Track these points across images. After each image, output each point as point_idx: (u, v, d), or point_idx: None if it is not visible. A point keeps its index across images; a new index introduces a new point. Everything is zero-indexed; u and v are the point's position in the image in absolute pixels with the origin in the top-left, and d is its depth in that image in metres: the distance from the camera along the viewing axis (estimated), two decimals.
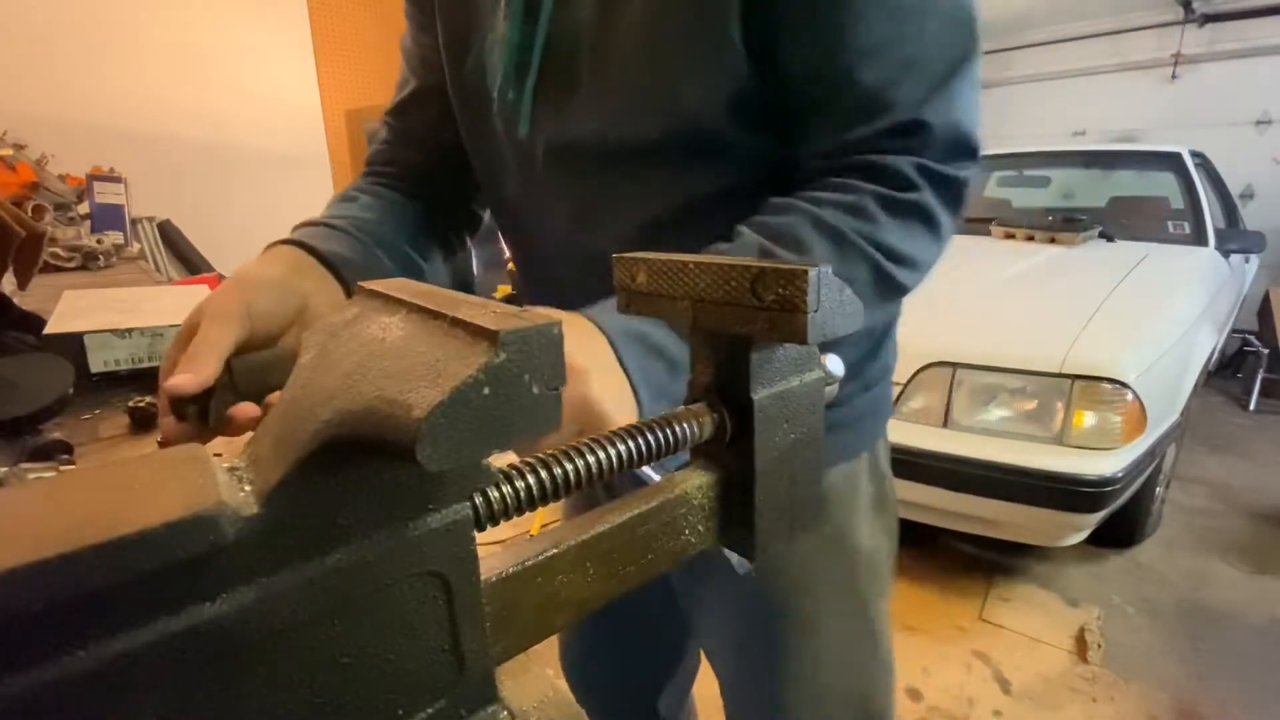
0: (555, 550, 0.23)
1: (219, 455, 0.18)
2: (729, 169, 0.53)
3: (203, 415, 0.45)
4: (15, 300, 1.03)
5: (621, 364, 0.40)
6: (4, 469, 0.59)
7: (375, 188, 0.71)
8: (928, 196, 0.48)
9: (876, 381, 0.64)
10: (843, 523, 0.63)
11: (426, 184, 0.72)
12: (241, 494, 0.17)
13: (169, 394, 0.44)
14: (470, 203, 0.77)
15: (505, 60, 0.55)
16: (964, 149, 0.50)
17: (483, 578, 0.21)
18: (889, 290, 0.49)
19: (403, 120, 0.73)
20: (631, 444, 0.25)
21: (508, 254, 0.79)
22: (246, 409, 0.46)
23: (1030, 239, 2.90)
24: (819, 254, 0.45)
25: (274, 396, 0.48)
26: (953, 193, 0.50)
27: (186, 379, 0.43)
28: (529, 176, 0.60)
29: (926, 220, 0.49)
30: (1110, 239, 2.92)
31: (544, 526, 2.17)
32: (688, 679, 0.96)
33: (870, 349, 0.63)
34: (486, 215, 0.78)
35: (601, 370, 0.38)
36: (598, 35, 0.51)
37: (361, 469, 0.18)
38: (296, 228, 0.62)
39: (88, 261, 2.04)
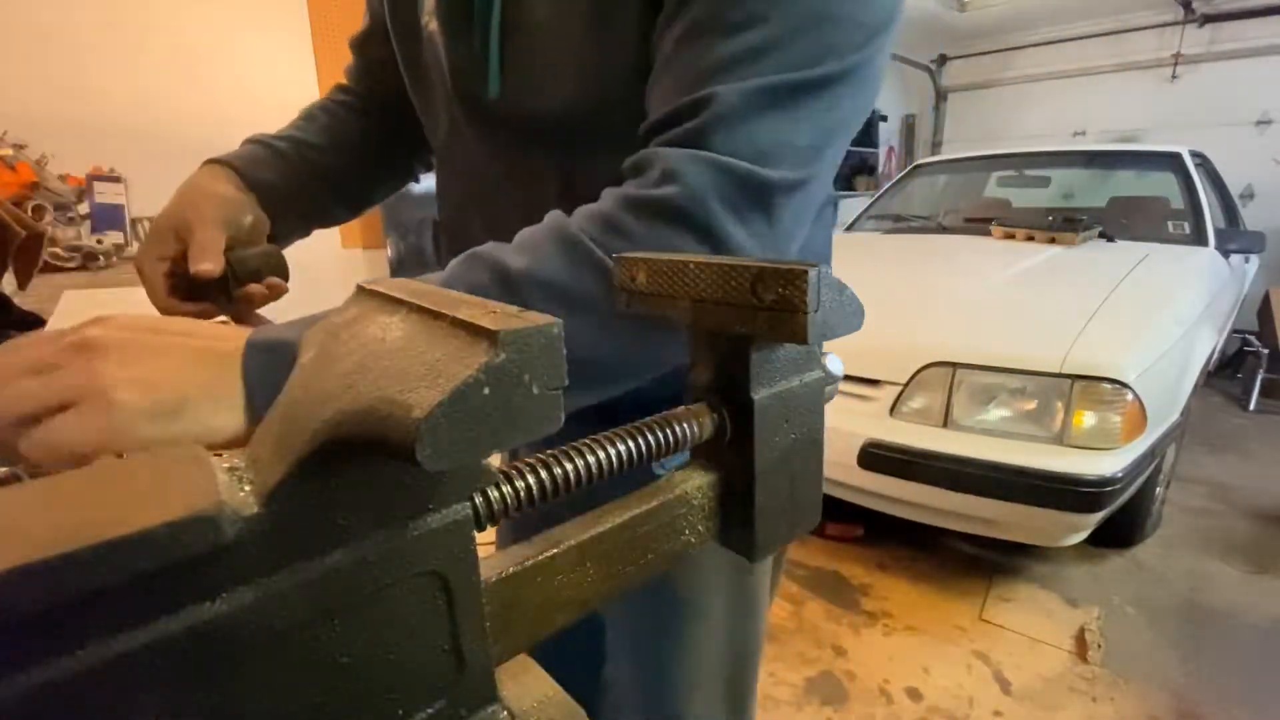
0: (555, 550, 0.23)
1: (219, 455, 0.18)
2: (615, 155, 0.46)
3: (226, 296, 0.59)
4: (15, 300, 1.03)
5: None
6: (4, 469, 0.59)
7: (339, 109, 0.74)
8: (678, 191, 0.39)
9: None
10: None
11: (390, 112, 0.72)
12: (241, 494, 0.17)
13: (202, 278, 0.55)
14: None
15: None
16: (792, 157, 0.40)
17: (483, 578, 0.21)
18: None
19: (363, 51, 0.75)
20: (631, 443, 0.25)
21: None
22: (257, 288, 0.60)
23: (1030, 239, 2.90)
24: (549, 263, 0.39)
25: (270, 282, 0.62)
26: (747, 189, 0.39)
27: (211, 266, 0.56)
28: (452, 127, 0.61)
29: (686, 220, 0.39)
30: (1110, 239, 2.92)
31: None
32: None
33: None
34: None
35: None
36: None
37: (361, 469, 0.18)
38: (246, 142, 0.68)
39: (88, 261, 2.04)
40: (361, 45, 0.75)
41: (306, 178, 0.68)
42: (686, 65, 0.41)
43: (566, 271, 0.39)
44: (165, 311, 0.57)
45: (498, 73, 0.54)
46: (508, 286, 0.39)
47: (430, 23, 0.58)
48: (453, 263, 0.42)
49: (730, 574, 0.65)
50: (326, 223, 0.75)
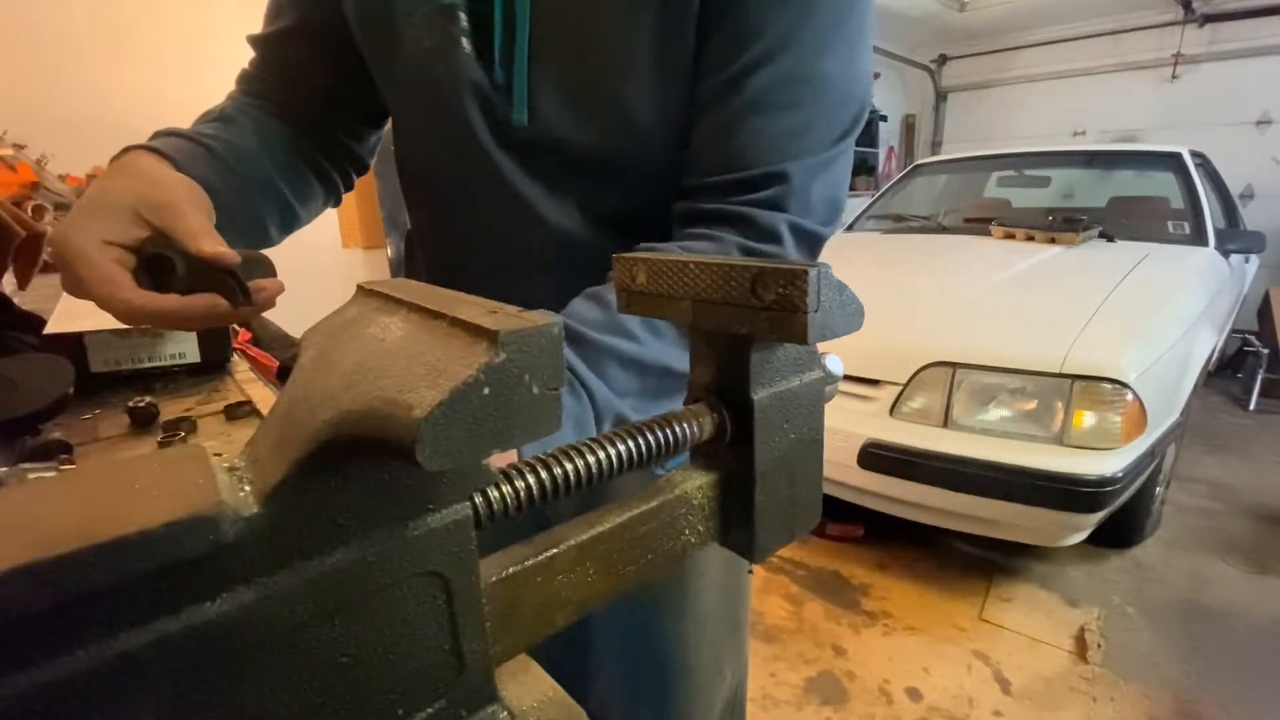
0: (555, 550, 0.23)
1: (219, 455, 0.18)
2: (638, 190, 0.54)
3: (242, 292, 0.48)
4: (15, 300, 1.03)
5: None
6: (4, 469, 0.59)
7: (253, 111, 0.64)
8: (789, 250, 0.51)
9: None
10: None
11: (310, 119, 0.67)
12: (241, 494, 0.17)
13: (227, 266, 0.47)
14: (358, 142, 0.72)
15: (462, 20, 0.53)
16: (829, 211, 0.53)
17: (483, 578, 0.21)
18: None
19: (275, 53, 0.66)
20: (631, 444, 0.25)
21: None
22: (275, 283, 0.51)
23: (1030, 239, 2.90)
24: (651, 343, 0.47)
25: (271, 281, 0.52)
26: (815, 247, 0.53)
27: (229, 251, 0.47)
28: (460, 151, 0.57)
29: None
30: (1110, 239, 2.91)
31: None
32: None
33: None
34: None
35: None
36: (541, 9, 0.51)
37: (361, 469, 0.18)
38: (158, 134, 0.57)
39: None
40: (278, 43, 0.65)
41: (244, 184, 0.59)
42: (754, 136, 0.50)
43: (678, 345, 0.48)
44: (139, 308, 0.46)
45: (524, 100, 0.53)
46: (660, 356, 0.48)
47: (426, 39, 0.55)
48: (575, 303, 0.48)
49: None
50: (256, 242, 0.66)
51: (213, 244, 0.46)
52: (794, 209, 0.51)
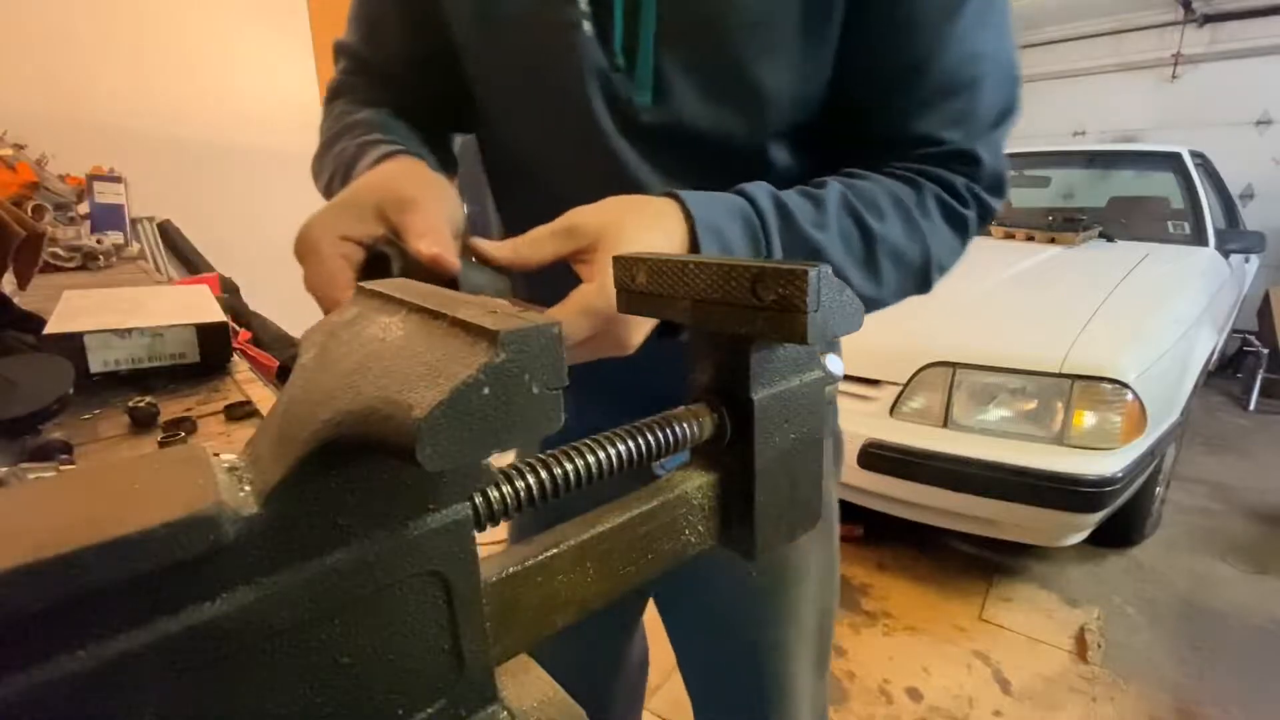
0: (555, 550, 0.23)
1: (218, 455, 0.18)
2: (760, 177, 0.51)
3: None
4: (15, 300, 1.03)
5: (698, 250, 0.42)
6: (4, 469, 0.59)
7: (397, 123, 0.60)
8: (973, 215, 0.54)
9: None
10: (829, 482, 0.68)
11: (433, 114, 0.63)
12: (241, 494, 0.17)
13: (445, 271, 0.39)
14: (450, 147, 0.69)
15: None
16: (1003, 188, 0.56)
17: (483, 578, 0.21)
18: (918, 286, 0.54)
19: (368, 51, 0.64)
20: (631, 443, 0.25)
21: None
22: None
23: (1030, 239, 2.90)
24: (890, 226, 0.50)
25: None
26: (987, 218, 0.56)
27: (452, 259, 0.39)
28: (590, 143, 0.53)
29: (963, 238, 0.55)
30: (1110, 239, 2.92)
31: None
32: (641, 680, 0.95)
33: None
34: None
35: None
36: None
37: (361, 469, 0.18)
38: (375, 143, 0.53)
39: (88, 261, 2.04)
40: (371, 39, 0.63)
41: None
42: (952, 111, 0.52)
43: (907, 243, 0.51)
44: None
45: (649, 81, 0.50)
46: (871, 244, 0.50)
47: (540, 24, 0.51)
48: (834, 209, 0.49)
49: (821, 538, 0.69)
50: None
51: (431, 245, 0.40)
52: (984, 183, 0.54)
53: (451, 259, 0.40)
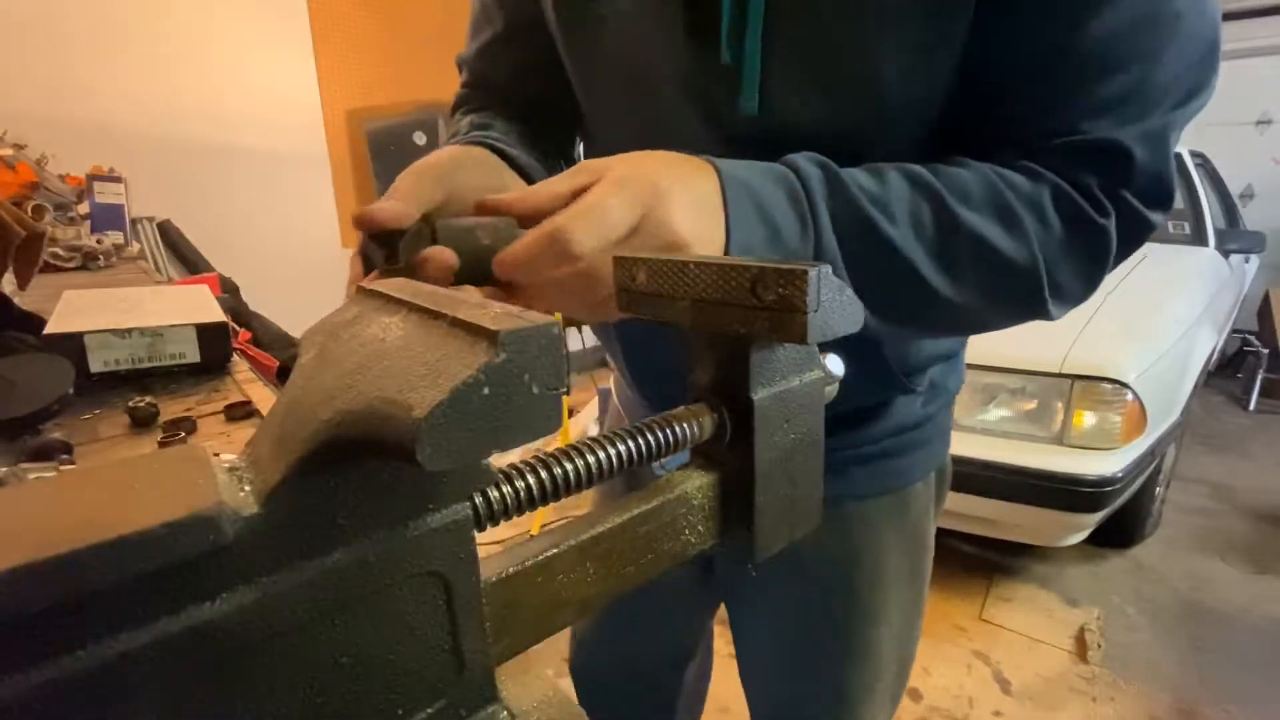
0: (555, 550, 0.23)
1: (219, 455, 0.18)
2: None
3: (390, 258, 0.40)
4: (15, 300, 1.03)
5: (725, 208, 0.37)
6: (4, 469, 0.59)
7: (509, 125, 0.59)
8: (1113, 227, 0.42)
9: (955, 391, 0.66)
10: (921, 522, 0.66)
11: (529, 125, 0.62)
12: (241, 494, 0.17)
13: (360, 224, 0.38)
14: (569, 152, 0.67)
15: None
16: (1164, 195, 0.43)
17: (483, 578, 0.21)
18: (1023, 302, 0.44)
19: (490, 65, 0.63)
20: (632, 444, 0.25)
21: None
22: (443, 253, 0.38)
23: None
24: (980, 215, 0.41)
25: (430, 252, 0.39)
26: (1139, 234, 0.44)
27: (383, 208, 0.38)
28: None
29: (1097, 255, 0.43)
30: None
31: (544, 526, 2.17)
32: (704, 681, 0.94)
33: (954, 364, 0.64)
34: None
35: (699, 207, 0.36)
36: None
37: (361, 469, 0.18)
38: (457, 137, 0.54)
39: (88, 261, 2.04)
40: (490, 54, 0.62)
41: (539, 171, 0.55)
42: (1081, 100, 0.42)
43: (1003, 239, 0.42)
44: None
45: (755, 86, 0.46)
46: (950, 231, 0.41)
47: (636, 24, 0.49)
48: (900, 185, 0.41)
49: (909, 576, 0.66)
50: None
51: (370, 206, 0.39)
52: (1137, 188, 0.42)
53: (379, 217, 0.38)
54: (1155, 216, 0.44)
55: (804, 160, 0.41)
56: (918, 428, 0.62)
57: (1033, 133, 0.43)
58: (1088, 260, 0.44)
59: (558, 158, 0.63)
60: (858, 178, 0.41)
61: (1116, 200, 0.42)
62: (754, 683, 0.75)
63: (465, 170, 0.45)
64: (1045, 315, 0.45)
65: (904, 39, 0.43)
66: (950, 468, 0.70)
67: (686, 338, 0.30)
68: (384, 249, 0.40)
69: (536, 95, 0.61)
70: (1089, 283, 0.45)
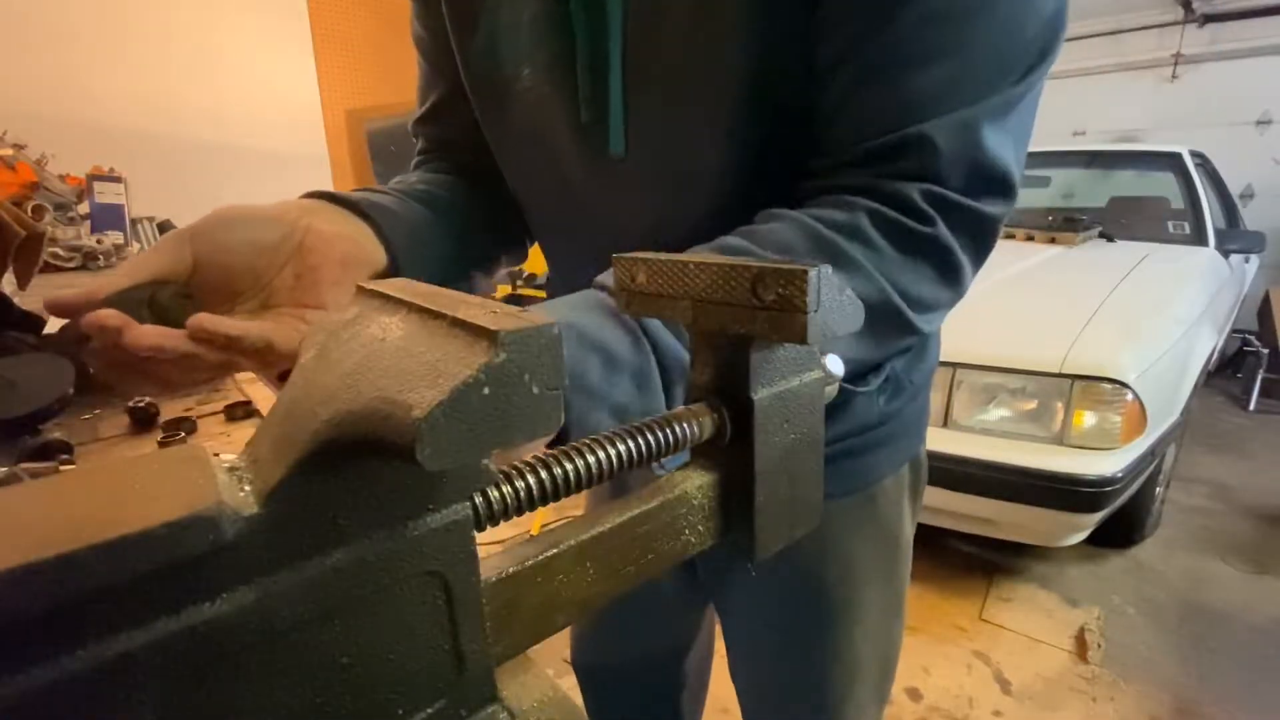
0: (555, 550, 0.23)
1: (219, 455, 0.18)
2: (727, 185, 0.49)
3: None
4: (15, 300, 1.03)
5: None
6: (4, 469, 0.59)
7: (437, 175, 0.65)
8: (943, 231, 0.41)
9: (924, 384, 0.66)
10: (893, 519, 0.65)
11: (481, 178, 0.65)
12: (241, 494, 0.17)
13: (53, 312, 0.39)
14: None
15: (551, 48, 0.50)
16: (992, 182, 0.42)
17: (483, 578, 0.21)
18: (891, 329, 0.43)
19: (438, 126, 0.67)
20: (631, 444, 0.25)
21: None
22: (150, 332, 0.37)
23: (1030, 239, 2.90)
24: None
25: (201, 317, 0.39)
26: (979, 230, 0.43)
27: (58, 300, 0.38)
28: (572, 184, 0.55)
29: (942, 259, 0.42)
30: (1110, 239, 2.92)
31: (544, 526, 2.17)
32: (705, 672, 0.95)
33: (918, 354, 0.64)
34: None
35: None
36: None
37: (361, 469, 0.18)
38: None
39: (88, 261, 2.04)
40: (437, 116, 0.66)
41: (432, 213, 0.58)
42: (882, 100, 0.41)
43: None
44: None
45: (620, 133, 0.50)
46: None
47: (526, 78, 0.53)
48: (707, 247, 0.42)
49: (883, 573, 0.66)
50: (460, 270, 0.63)
51: (62, 292, 0.39)
52: (951, 181, 0.41)
53: (62, 302, 0.38)
54: (992, 208, 0.42)
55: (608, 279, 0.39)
56: (881, 425, 0.61)
57: (846, 142, 0.43)
58: (935, 268, 0.42)
59: (511, 217, 0.66)
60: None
61: (938, 202, 0.41)
62: (740, 681, 0.76)
63: (231, 229, 0.44)
64: (917, 332, 0.44)
65: (741, 98, 0.45)
66: (926, 461, 0.70)
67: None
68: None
69: (484, 146, 0.63)
70: (949, 288, 0.44)
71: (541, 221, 0.64)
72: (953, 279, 0.44)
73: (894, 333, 0.43)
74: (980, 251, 0.44)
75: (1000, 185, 0.42)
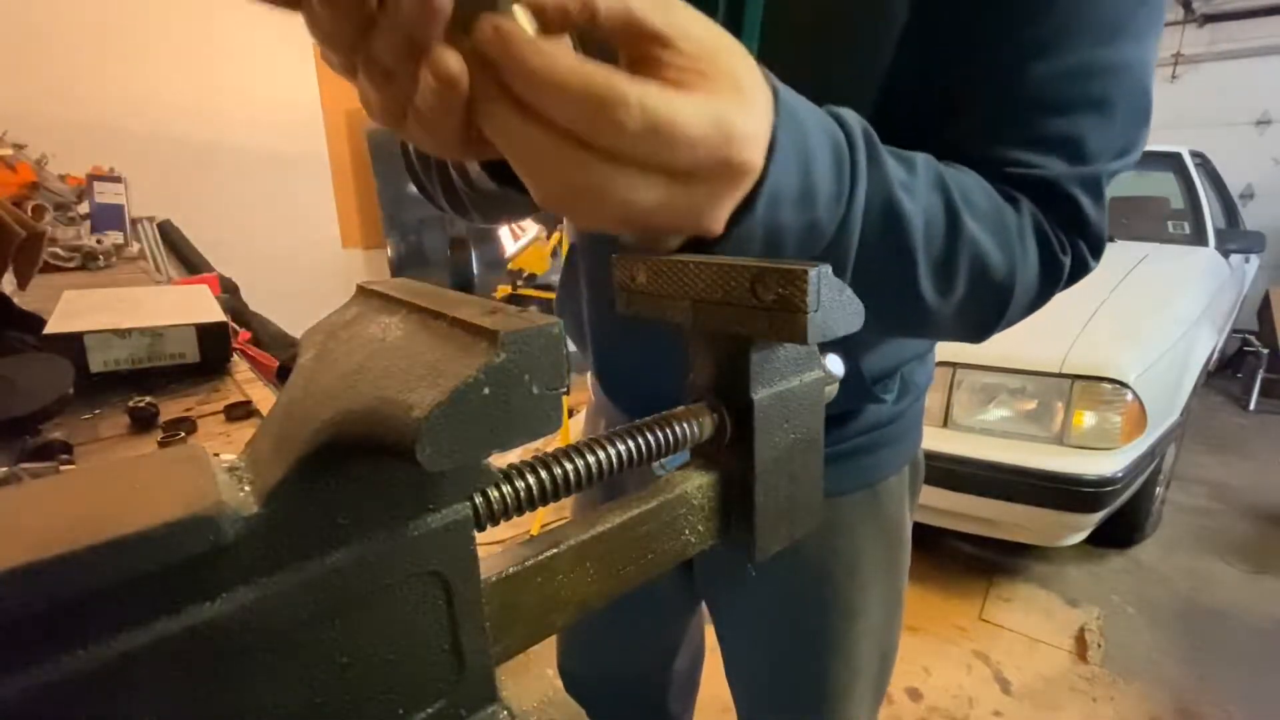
0: (555, 550, 0.23)
1: (219, 455, 0.18)
2: None
3: None
4: (15, 300, 1.03)
5: (772, 147, 0.29)
6: (4, 469, 0.59)
7: None
8: (1067, 266, 0.43)
9: (927, 385, 0.67)
10: (895, 517, 0.66)
11: None
12: (241, 494, 0.17)
13: None
14: None
15: None
16: (1102, 244, 0.45)
17: (483, 578, 0.21)
18: (978, 324, 0.44)
19: None
20: (631, 444, 0.25)
21: (508, 253, 0.71)
22: None
23: None
24: (982, 227, 0.39)
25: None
26: (1073, 280, 0.45)
27: None
28: None
29: (1051, 288, 0.44)
30: (1110, 239, 2.91)
31: (544, 526, 2.17)
32: (695, 671, 0.95)
33: (924, 357, 0.65)
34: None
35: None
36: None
37: (361, 469, 0.18)
38: None
39: (88, 261, 2.04)
40: None
41: None
42: (1054, 130, 0.41)
43: (995, 254, 0.41)
44: None
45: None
46: (953, 237, 0.39)
47: None
48: (928, 172, 0.39)
49: (886, 569, 0.67)
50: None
51: None
52: (1085, 230, 0.43)
53: None
54: (1093, 264, 0.45)
55: (851, 119, 0.35)
56: (891, 424, 0.63)
57: (987, 156, 0.43)
58: (1040, 293, 0.44)
59: None
60: (888, 159, 0.36)
61: (1072, 245, 0.43)
62: (737, 680, 0.75)
63: None
64: (979, 338, 0.45)
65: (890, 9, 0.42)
66: (923, 460, 0.71)
67: (684, 337, 0.30)
68: None
69: None
70: (1026, 313, 0.46)
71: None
72: (1036, 308, 0.46)
73: (976, 326, 0.45)
74: (1047, 298, 0.46)
75: (1103, 245, 0.45)
